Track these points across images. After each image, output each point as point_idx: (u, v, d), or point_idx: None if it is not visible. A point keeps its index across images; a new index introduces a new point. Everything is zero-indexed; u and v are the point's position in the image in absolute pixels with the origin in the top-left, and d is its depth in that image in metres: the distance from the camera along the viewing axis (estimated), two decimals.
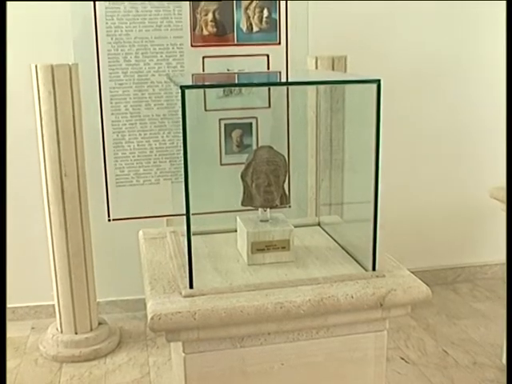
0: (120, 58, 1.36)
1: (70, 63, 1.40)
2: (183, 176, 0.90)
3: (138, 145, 1.41)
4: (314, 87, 1.28)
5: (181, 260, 1.05)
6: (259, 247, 1.04)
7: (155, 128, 1.42)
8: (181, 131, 0.90)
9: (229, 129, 1.36)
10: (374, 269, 1.00)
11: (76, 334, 1.61)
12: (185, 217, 0.92)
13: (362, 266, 1.03)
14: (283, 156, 1.08)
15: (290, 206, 1.27)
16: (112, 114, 1.39)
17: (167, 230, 1.25)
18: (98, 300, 1.69)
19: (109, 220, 1.44)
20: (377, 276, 0.99)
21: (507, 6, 0.86)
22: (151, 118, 1.40)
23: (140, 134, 1.41)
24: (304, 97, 1.38)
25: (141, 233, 1.25)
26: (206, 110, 1.35)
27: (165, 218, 1.43)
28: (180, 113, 0.89)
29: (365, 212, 0.99)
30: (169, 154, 1.41)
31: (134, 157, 1.41)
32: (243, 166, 1.08)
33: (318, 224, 1.26)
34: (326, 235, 1.20)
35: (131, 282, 1.72)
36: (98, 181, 1.44)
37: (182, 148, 0.90)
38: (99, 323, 1.71)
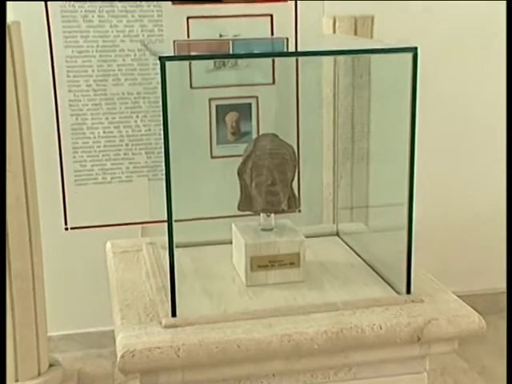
0: (78, 18, 1.36)
1: (9, 21, 1.40)
2: (164, 172, 0.92)
3: (103, 132, 1.42)
4: (330, 58, 1.30)
5: (160, 280, 1.07)
6: (261, 263, 1.06)
7: (126, 110, 1.42)
8: (160, 115, 0.91)
9: (222, 111, 1.37)
10: (408, 291, 1.02)
11: (17, 381, 1.60)
12: (166, 224, 0.94)
13: (392, 288, 1.05)
14: (291, 146, 1.10)
15: (299, 211, 1.29)
16: (69, 91, 1.39)
17: (143, 241, 1.27)
18: (49, 334, 1.70)
19: (66, 229, 1.44)
20: (413, 301, 1.01)
21: (507, 6, 0.92)
22: (121, 98, 1.41)
23: (107, 118, 1.42)
24: (318, 70, 1.39)
25: (108, 245, 1.27)
26: (192, 87, 1.36)
27: (139, 226, 1.44)
28: (159, 91, 0.91)
29: (396, 218, 1.01)
30: (144, 143, 1.41)
31: (98, 147, 1.42)
32: (240, 160, 1.10)
33: (337, 233, 1.28)
34: (347, 248, 1.23)
35: (95, 309, 1.73)
36: (51, 178, 1.45)
37: (161, 136, 0.92)
38: (50, 365, 1.68)
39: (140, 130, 1.41)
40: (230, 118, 1.37)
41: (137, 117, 1.41)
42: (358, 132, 1.23)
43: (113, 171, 1.41)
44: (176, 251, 0.95)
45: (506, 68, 1.18)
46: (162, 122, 0.91)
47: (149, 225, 1.37)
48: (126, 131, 1.41)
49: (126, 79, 1.40)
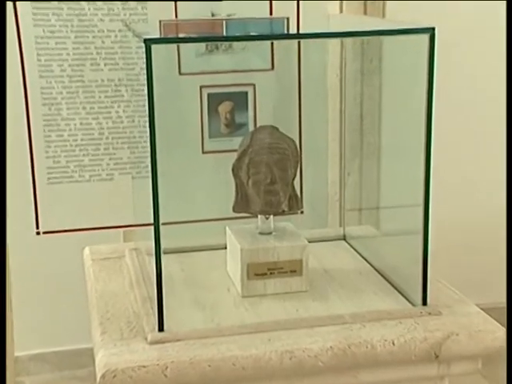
0: None
1: None
2: (149, 169, 0.93)
3: (81, 123, 1.42)
4: (337, 40, 1.31)
5: (146, 290, 1.08)
6: (259, 271, 1.08)
7: (107, 99, 1.42)
8: (145, 104, 0.92)
9: (214, 101, 1.38)
10: (424, 303, 1.03)
11: None
12: (152, 228, 0.95)
13: (406, 299, 1.07)
14: (293, 140, 1.12)
15: (302, 212, 1.30)
16: (41, 77, 1.39)
17: (126, 246, 1.29)
18: (16, 354, 1.70)
19: (37, 233, 1.44)
20: (429, 313, 1.02)
21: (507, 6, 0.95)
22: (100, 85, 1.41)
23: (84, 108, 1.42)
24: (323, 54, 1.40)
25: (87, 251, 1.28)
26: (180, 73, 1.36)
27: (122, 230, 1.45)
28: (143, 78, 0.92)
29: (411, 220, 1.03)
30: (127, 136, 1.42)
31: (75, 141, 1.42)
32: (235, 155, 1.11)
33: (343, 238, 1.30)
34: (355, 253, 1.24)
35: (70, 324, 1.73)
36: (20, 176, 1.45)
37: (147, 129, 0.93)
38: None
39: (122, 122, 1.41)
40: (224, 108, 1.37)
41: (118, 107, 1.40)
42: (367, 124, 1.24)
43: (91, 168, 1.41)
44: (163, 258, 0.96)
45: (506, 68, 1.20)
46: (147, 112, 0.92)
47: (132, 228, 1.37)
48: (107, 123, 1.40)
49: (105, 64, 1.39)
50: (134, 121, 1.39)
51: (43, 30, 1.37)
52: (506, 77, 0.96)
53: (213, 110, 1.38)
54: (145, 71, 0.91)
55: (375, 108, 1.25)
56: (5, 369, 0.99)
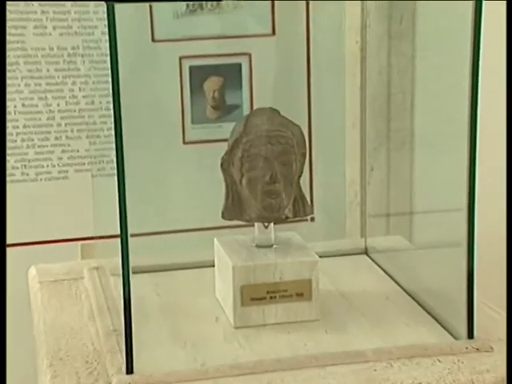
0: None
1: None
2: (115, 165, 0.94)
3: (23, 105, 1.41)
4: None
5: (111, 321, 1.10)
6: (256, 295, 1.09)
7: (57, 73, 1.41)
8: (108, 81, 0.93)
9: (198, 76, 1.38)
10: (470, 335, 1.04)
11: None
12: (119, 240, 0.96)
13: (447, 330, 1.08)
14: (298, 127, 1.13)
15: (312, 219, 1.34)
16: None
17: (84, 265, 1.31)
18: None
19: None
20: (477, 349, 1.02)
21: (507, 6, 0.98)
22: (48, 55, 1.40)
23: (27, 85, 1.41)
24: (338, 14, 1.40)
25: (33, 271, 1.30)
26: (154, 40, 1.36)
27: (79, 244, 1.46)
28: (105, 46, 0.91)
29: (452, 229, 1.05)
30: (85, 122, 1.41)
31: (15, 128, 1.40)
32: (225, 147, 1.13)
33: (365, 251, 1.33)
34: (380, 272, 1.27)
35: (10, 367, 1.74)
36: None
37: (110, 112, 0.94)
38: None
39: (78, 103, 1.41)
40: (211, 85, 1.38)
41: (73, 83, 1.40)
42: (396, 105, 1.25)
43: (38, 163, 1.41)
44: (134, 279, 0.97)
45: (506, 68, 1.23)
46: (110, 91, 0.93)
47: (93, 241, 1.39)
48: (58, 104, 1.40)
49: (54, 27, 1.40)
50: (93, 102, 1.39)
51: None
52: (506, 77, 0.99)
53: (196, 87, 1.38)
54: (107, 37, 0.91)
55: (406, 84, 1.27)
56: (5, 369, 1.02)
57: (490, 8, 1.50)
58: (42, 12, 1.39)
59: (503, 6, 1.38)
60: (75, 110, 1.40)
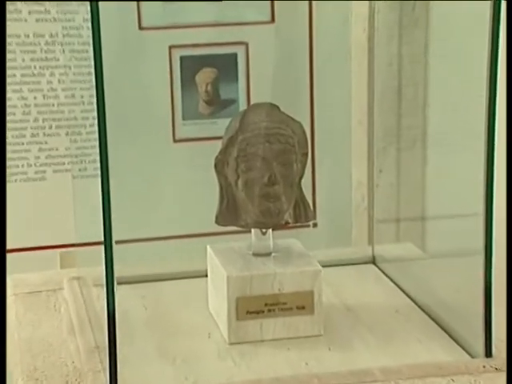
0: None
1: None
2: (99, 165, 0.94)
3: None
4: None
5: (93, 337, 1.10)
6: (253, 308, 1.09)
7: (33, 64, 1.42)
8: (90, 72, 0.93)
9: (190, 67, 1.38)
10: (488, 353, 1.04)
11: None
12: (102, 248, 0.96)
13: (462, 348, 1.08)
14: (300, 124, 1.12)
15: (315, 225, 1.34)
16: None
17: (64, 274, 1.30)
18: None
19: None
20: (496, 368, 1.02)
21: (507, 6, 1.00)
22: (24, 43, 1.41)
23: None
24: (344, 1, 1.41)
25: (8, 282, 1.28)
26: (141, 27, 1.37)
27: (58, 252, 1.46)
28: (88, 34, 0.91)
29: (469, 236, 1.04)
30: (65, 118, 1.41)
31: None
32: (219, 146, 1.12)
33: (373, 260, 1.32)
34: (389, 283, 1.26)
35: None
36: None
37: (94, 107, 0.94)
38: None
39: (57, 97, 1.41)
40: (204, 77, 1.38)
41: (51, 75, 1.40)
42: (407, 100, 1.25)
43: (13, 163, 1.40)
44: (118, 290, 0.97)
45: (506, 68, 1.23)
46: (93, 84, 0.92)
47: (73, 249, 1.38)
48: (34, 98, 1.40)
49: (30, 12, 1.39)
50: (74, 95, 1.39)
51: None
52: (506, 77, 0.99)
53: (188, 80, 1.38)
54: (89, 24, 0.90)
55: (419, 76, 1.27)
56: (5, 368, 1.03)
57: None
58: None
59: None
60: (54, 105, 1.40)
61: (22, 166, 1.40)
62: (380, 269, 1.31)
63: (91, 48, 0.92)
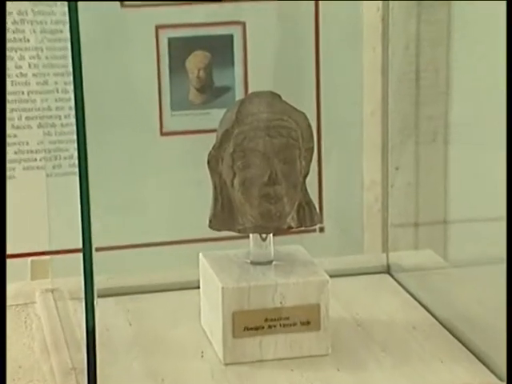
0: None
1: None
2: (76, 162, 0.93)
3: None
4: None
5: (69, 357, 1.09)
6: (251, 323, 1.09)
7: None
8: (66, 56, 0.92)
9: (180, 50, 1.39)
10: None
11: None
12: (81, 256, 0.95)
13: (489, 369, 1.08)
14: (304, 116, 1.12)
15: (321, 230, 1.34)
16: None
17: (36, 286, 1.30)
18: None
19: None
20: None
21: (507, 6, 1.00)
22: None
23: None
24: None
25: None
26: (123, 5, 1.36)
27: (29, 260, 1.46)
28: (64, 12, 0.91)
29: (496, 242, 1.04)
30: (36, 108, 1.41)
31: None
32: (213, 139, 1.12)
33: (387, 270, 1.33)
34: (406, 295, 1.26)
35: None
36: None
37: (70, 96, 0.94)
38: None
39: (28, 84, 1.41)
40: (196, 61, 1.38)
41: (20, 58, 1.41)
42: (427, 87, 1.24)
43: None
44: (99, 303, 0.97)
45: (506, 68, 1.23)
46: (70, 69, 0.92)
47: (46, 257, 1.39)
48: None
49: None
50: (47, 82, 1.39)
51: None
52: (506, 77, 0.99)
53: (177, 65, 1.39)
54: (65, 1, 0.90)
55: (440, 60, 1.26)
56: (5, 369, 1.03)
57: None
58: None
59: None
60: (24, 92, 1.41)
61: None
62: (396, 279, 1.31)
63: (67, 28, 0.91)
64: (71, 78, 0.92)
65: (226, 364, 1.09)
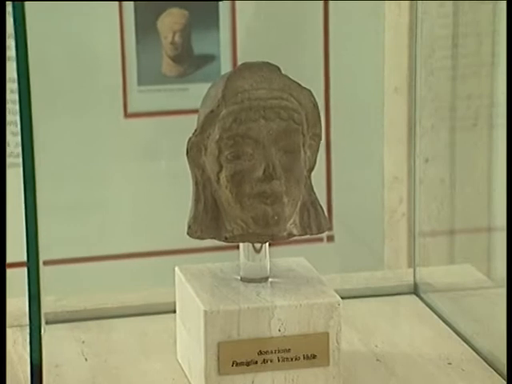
0: None
1: None
2: (20, 152, 0.94)
3: None
4: None
5: None
6: (242, 357, 1.08)
7: None
8: (8, 13, 0.94)
9: (148, 8, 1.40)
10: None
11: None
12: (25, 271, 0.95)
13: None
14: (309, 93, 1.12)
15: (330, 238, 1.35)
16: None
17: None
18: None
19: None
20: None
21: (507, 6, 1.00)
22: None
23: None
24: None
25: None
26: None
27: None
28: None
29: None
30: None
31: None
32: (193, 122, 1.11)
33: (414, 290, 1.33)
34: (438, 321, 1.27)
35: None
36: None
37: (13, 68, 0.94)
38: None
39: None
40: (170, 22, 1.39)
41: None
42: (466, 57, 1.24)
43: None
44: (48, 332, 0.99)
45: (506, 68, 1.24)
46: (12, 32, 0.93)
47: None
48: None
49: None
50: None
51: None
52: (506, 77, 0.98)
53: (146, 27, 1.40)
54: None
55: (484, 24, 1.26)
56: (5, 366, 1.02)
57: None
58: None
59: None
60: None
61: None
62: (425, 301, 1.31)
63: None
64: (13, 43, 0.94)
65: None
